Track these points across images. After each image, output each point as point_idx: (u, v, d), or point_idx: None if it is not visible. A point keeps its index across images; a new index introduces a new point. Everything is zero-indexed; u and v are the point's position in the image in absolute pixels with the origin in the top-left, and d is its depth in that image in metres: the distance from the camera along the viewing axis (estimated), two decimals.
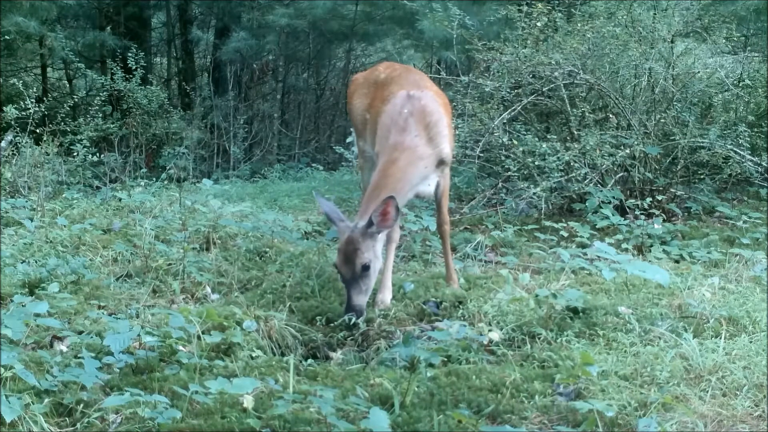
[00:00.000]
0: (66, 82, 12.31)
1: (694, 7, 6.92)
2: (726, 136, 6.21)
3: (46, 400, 2.85)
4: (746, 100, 7.10)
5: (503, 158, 6.21)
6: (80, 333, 3.58)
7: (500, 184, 6.38)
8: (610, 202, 5.71)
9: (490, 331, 3.58)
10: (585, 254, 4.77)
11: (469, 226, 5.86)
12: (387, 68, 4.90)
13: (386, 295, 4.18)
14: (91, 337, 3.50)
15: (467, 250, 5.11)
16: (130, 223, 5.66)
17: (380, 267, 4.04)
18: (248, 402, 2.82)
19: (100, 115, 9.49)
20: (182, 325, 3.36)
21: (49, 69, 12.16)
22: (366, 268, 3.87)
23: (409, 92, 4.27)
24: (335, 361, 3.66)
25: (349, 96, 4.98)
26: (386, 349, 3.70)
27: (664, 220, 5.58)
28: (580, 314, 3.73)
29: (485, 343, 3.52)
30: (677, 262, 4.96)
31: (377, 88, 4.66)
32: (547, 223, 5.52)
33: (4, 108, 7.85)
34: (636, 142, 6.01)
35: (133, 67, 9.61)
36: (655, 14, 6.89)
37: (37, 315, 3.24)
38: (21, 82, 8.57)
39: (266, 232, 5.35)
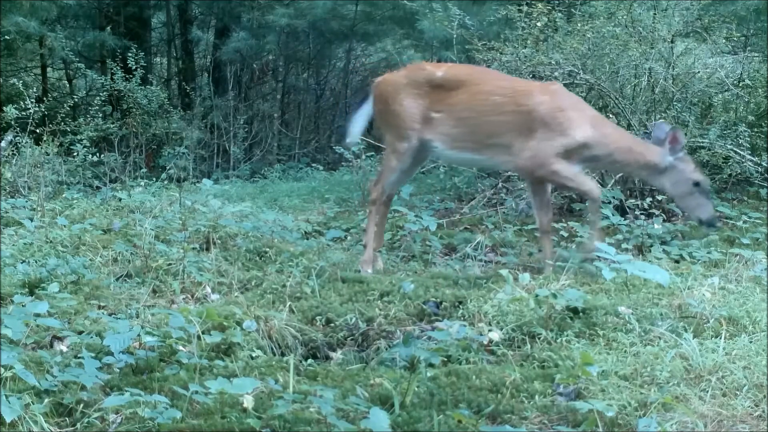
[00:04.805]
0: (66, 82, 12.32)
1: (694, 7, 6.91)
2: (726, 136, 6.21)
3: (46, 400, 2.84)
4: (746, 100, 7.09)
5: None
6: (80, 333, 3.57)
7: (500, 184, 6.38)
8: (610, 202, 5.71)
9: (490, 331, 3.58)
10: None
11: (469, 226, 5.86)
12: (436, 67, 4.94)
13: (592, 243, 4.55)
14: (91, 337, 3.49)
15: (467, 250, 5.11)
16: (130, 223, 5.66)
17: None
18: (248, 402, 2.82)
19: (100, 115, 9.50)
20: (182, 325, 3.35)
21: (49, 69, 12.17)
22: None
23: (543, 84, 4.85)
24: (335, 361, 3.65)
25: (386, 96, 4.85)
26: (386, 349, 3.70)
27: (664, 220, 5.58)
28: (580, 314, 3.73)
29: (485, 343, 3.51)
30: (677, 262, 4.95)
31: (437, 89, 4.73)
32: None
33: (4, 108, 7.85)
34: None
35: (133, 67, 9.60)
36: (655, 14, 6.88)
37: (37, 315, 3.23)
38: (21, 82, 8.60)
39: (266, 232, 5.35)
